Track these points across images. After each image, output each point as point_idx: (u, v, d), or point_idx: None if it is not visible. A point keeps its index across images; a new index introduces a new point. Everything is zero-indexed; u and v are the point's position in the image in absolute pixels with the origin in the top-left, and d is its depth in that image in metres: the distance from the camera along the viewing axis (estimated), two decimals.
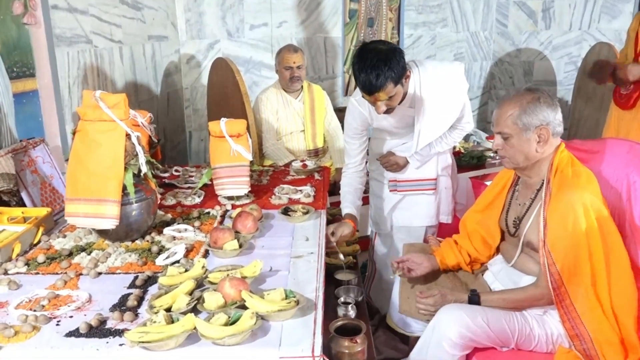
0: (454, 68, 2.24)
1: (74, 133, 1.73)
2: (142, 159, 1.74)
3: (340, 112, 3.68)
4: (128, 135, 1.71)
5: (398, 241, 2.52)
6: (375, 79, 1.96)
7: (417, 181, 2.41)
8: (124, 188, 1.71)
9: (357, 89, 2.17)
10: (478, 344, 1.70)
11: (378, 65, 1.96)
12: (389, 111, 2.12)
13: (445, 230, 2.66)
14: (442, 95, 2.18)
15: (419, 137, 2.25)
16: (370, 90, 2.00)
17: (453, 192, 2.52)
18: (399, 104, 2.14)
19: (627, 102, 3.05)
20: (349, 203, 2.40)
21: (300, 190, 2.35)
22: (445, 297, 1.80)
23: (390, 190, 2.45)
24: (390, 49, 2.01)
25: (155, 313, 1.27)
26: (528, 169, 1.79)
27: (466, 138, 4.87)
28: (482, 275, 2.00)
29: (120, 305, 1.38)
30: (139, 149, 1.73)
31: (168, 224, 1.97)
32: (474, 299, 1.78)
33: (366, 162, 2.52)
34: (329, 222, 2.44)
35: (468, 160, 3.78)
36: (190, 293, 1.40)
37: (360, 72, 1.99)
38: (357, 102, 2.30)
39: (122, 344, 1.20)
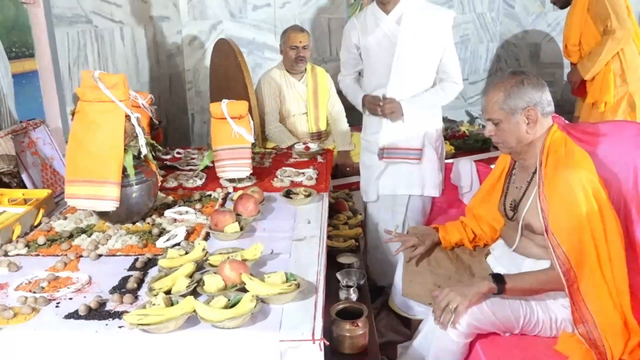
0: (448, 10, 2.42)
1: (73, 114, 1.71)
2: (142, 140, 1.72)
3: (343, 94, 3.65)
4: (128, 117, 1.69)
5: (385, 210, 2.63)
6: None
7: (404, 149, 2.50)
8: (124, 170, 1.69)
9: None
10: (482, 330, 1.69)
11: None
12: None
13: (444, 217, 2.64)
14: (429, 22, 2.34)
15: (399, 60, 2.36)
16: None
17: (440, 165, 2.57)
18: (387, 13, 2.36)
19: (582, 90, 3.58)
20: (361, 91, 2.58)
21: (303, 173, 2.33)
22: (456, 296, 1.63)
23: (379, 158, 2.53)
24: None
25: (155, 295, 1.27)
26: (523, 152, 1.78)
27: (471, 121, 4.82)
28: (485, 258, 1.99)
29: (120, 288, 1.38)
30: (138, 130, 1.71)
31: (169, 206, 1.95)
32: (500, 287, 1.65)
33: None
34: (331, 206, 2.44)
35: (473, 144, 3.75)
36: (190, 276, 1.39)
37: None
38: (355, 19, 2.51)
39: (122, 326, 1.20)
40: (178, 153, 2.74)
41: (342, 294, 1.89)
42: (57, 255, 1.57)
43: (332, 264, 2.10)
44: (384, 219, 2.64)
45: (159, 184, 1.99)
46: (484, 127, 4.28)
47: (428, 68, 2.41)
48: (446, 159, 2.70)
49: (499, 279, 1.66)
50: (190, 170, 2.45)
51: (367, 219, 2.74)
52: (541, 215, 1.65)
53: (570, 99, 3.95)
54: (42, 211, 1.84)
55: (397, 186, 2.54)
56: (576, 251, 1.59)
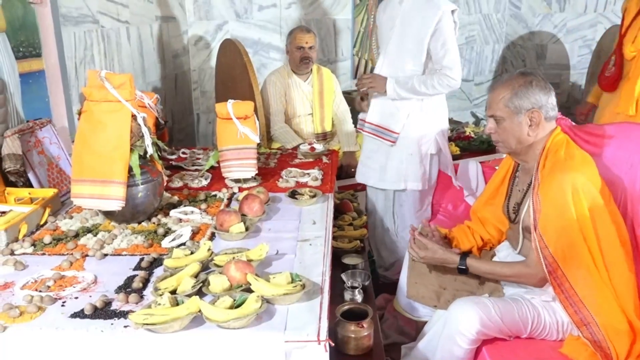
0: (448, 3, 2.41)
1: (79, 113, 1.71)
2: (148, 140, 1.73)
3: (349, 95, 3.64)
4: (134, 116, 1.69)
5: (378, 195, 2.81)
6: None
7: (381, 128, 2.59)
8: (130, 169, 1.70)
9: None
10: (489, 336, 1.68)
11: None
12: None
13: (449, 220, 2.64)
14: (424, 7, 2.40)
15: (391, 38, 2.49)
16: None
17: (421, 160, 2.61)
18: None
19: (610, 85, 3.11)
20: None
21: (308, 174, 2.33)
22: (435, 253, 1.88)
23: (358, 128, 2.66)
24: None
25: (160, 295, 1.27)
26: (522, 153, 1.78)
27: (477, 123, 4.81)
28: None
29: (126, 287, 1.38)
30: (144, 130, 1.71)
31: (175, 206, 1.95)
32: (462, 263, 1.84)
33: None
34: (336, 207, 2.44)
35: (478, 145, 3.73)
36: (196, 276, 1.39)
37: None
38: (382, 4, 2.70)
39: (127, 326, 1.20)
40: (184, 153, 2.75)
41: (347, 295, 1.89)
42: (63, 255, 1.57)
43: (337, 265, 2.10)
44: (379, 203, 2.82)
45: (165, 184, 1.99)
46: None
47: (414, 52, 2.45)
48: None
49: (464, 261, 1.84)
50: (196, 170, 2.45)
51: (367, 200, 2.91)
52: (532, 216, 1.65)
53: (577, 100, 3.93)
54: (48, 210, 1.85)
55: (383, 181, 2.67)
56: (564, 252, 1.59)
